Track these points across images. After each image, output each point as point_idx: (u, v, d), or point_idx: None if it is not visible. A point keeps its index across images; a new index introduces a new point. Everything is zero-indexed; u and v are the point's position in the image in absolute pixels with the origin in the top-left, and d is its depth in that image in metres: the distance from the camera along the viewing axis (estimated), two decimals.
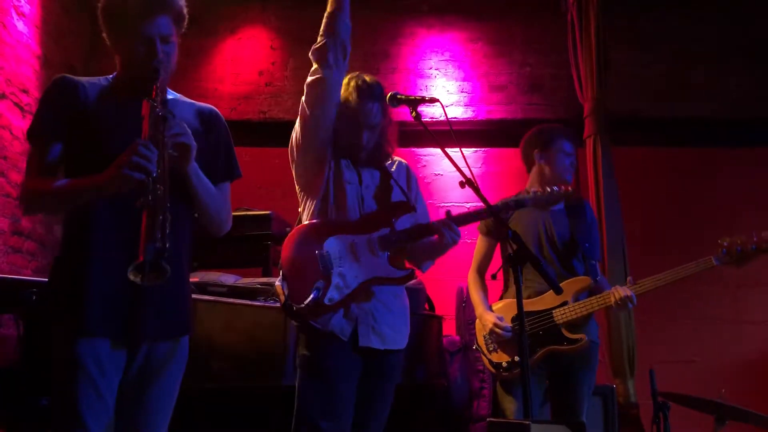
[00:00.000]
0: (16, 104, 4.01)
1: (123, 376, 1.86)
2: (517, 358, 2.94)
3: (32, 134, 1.93)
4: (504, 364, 2.97)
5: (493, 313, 3.02)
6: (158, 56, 1.87)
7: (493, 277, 3.01)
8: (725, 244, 2.92)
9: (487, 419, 2.29)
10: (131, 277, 1.61)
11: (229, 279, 3.29)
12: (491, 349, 3.00)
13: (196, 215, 2.01)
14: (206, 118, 2.05)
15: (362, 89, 2.45)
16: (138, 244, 1.63)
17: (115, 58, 1.98)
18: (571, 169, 3.13)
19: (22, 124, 4.05)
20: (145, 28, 1.86)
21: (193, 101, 2.11)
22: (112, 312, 1.82)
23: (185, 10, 1.95)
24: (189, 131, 1.84)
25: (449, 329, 3.90)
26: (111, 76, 2.01)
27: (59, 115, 1.89)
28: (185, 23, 1.97)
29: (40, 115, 1.92)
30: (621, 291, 2.91)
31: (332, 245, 2.35)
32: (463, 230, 4.88)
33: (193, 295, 2.91)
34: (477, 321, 3.08)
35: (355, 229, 2.41)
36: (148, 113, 1.77)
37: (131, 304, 1.82)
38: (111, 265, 1.82)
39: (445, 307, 4.00)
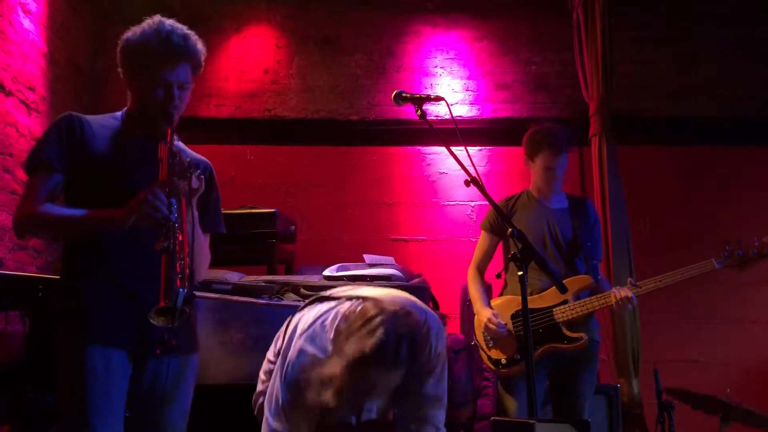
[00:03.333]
0: (22, 102, 4.02)
1: (135, 386, 1.88)
2: (518, 356, 2.94)
3: (33, 164, 1.93)
4: (503, 361, 2.97)
5: (489, 309, 3.02)
6: (174, 102, 1.91)
7: (498, 276, 3.00)
8: (727, 247, 2.91)
9: (492, 418, 2.28)
10: (152, 320, 1.66)
11: (233, 277, 3.29)
12: (490, 345, 3.01)
13: None
14: (202, 170, 2.06)
15: (365, 362, 1.95)
16: (152, 265, 1.69)
17: (128, 94, 2.01)
18: (554, 178, 3.09)
19: (28, 121, 4.06)
20: (165, 75, 1.90)
21: (193, 152, 2.13)
22: (122, 326, 1.85)
23: (203, 59, 2.01)
24: (199, 183, 1.88)
25: (453, 328, 3.91)
26: (120, 113, 2.04)
27: (62, 151, 1.91)
28: (201, 69, 2.02)
29: (42, 147, 1.94)
30: (621, 292, 2.91)
31: None
32: (467, 229, 4.89)
33: (197, 293, 2.91)
34: (475, 317, 3.09)
35: None
36: (165, 158, 1.81)
37: (139, 322, 1.84)
38: (122, 280, 1.86)
39: (450, 306, 4.00)
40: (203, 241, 2.05)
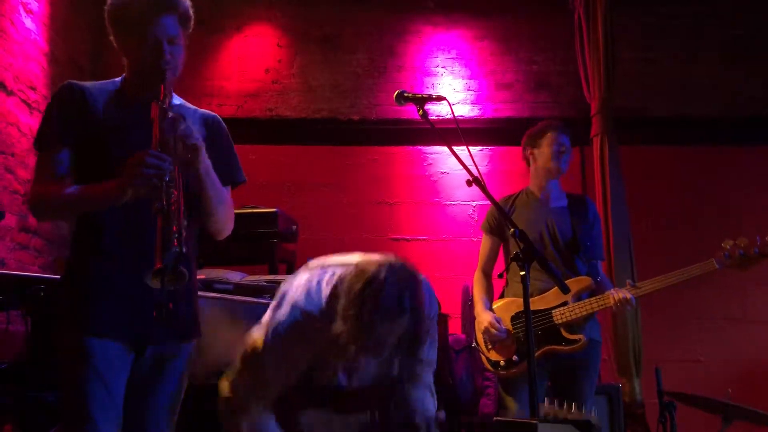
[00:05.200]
0: (23, 101, 4.02)
1: (130, 375, 1.88)
2: (515, 357, 2.94)
3: (41, 142, 1.93)
4: (502, 363, 2.97)
5: (490, 313, 3.03)
6: (165, 57, 1.87)
7: (500, 276, 3.00)
8: (728, 247, 2.88)
9: (494, 418, 2.29)
10: (150, 283, 1.62)
11: (235, 276, 3.29)
12: (489, 347, 3.01)
13: (200, 217, 2.00)
14: (210, 124, 2.06)
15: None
16: (151, 248, 1.65)
17: (123, 60, 1.98)
18: (561, 157, 3.11)
19: (29, 121, 4.06)
20: (152, 30, 1.86)
21: (196, 108, 2.11)
22: (122, 316, 1.84)
23: (191, 10, 1.95)
24: (195, 131, 1.84)
25: (455, 328, 3.91)
26: (118, 79, 2.01)
27: (67, 123, 1.89)
28: (191, 24, 1.96)
29: (47, 123, 1.93)
30: (620, 293, 2.90)
31: None
32: (468, 228, 4.88)
33: (199, 293, 2.91)
34: (476, 319, 3.09)
35: (334, 404, 2.20)
36: (158, 116, 1.77)
37: (140, 309, 1.82)
38: (122, 268, 1.85)
39: (451, 306, 4.00)
40: (224, 193, 2.00)
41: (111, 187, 1.76)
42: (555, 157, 3.11)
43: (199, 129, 1.99)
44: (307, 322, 2.05)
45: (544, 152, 3.13)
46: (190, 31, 1.97)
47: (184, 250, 1.64)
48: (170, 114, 1.79)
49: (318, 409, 2.10)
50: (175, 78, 1.93)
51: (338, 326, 1.98)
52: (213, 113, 2.13)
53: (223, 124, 2.13)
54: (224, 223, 2.04)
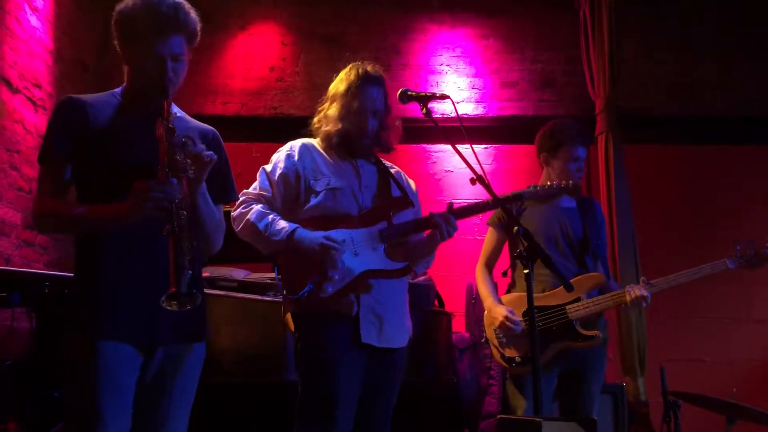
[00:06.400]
0: (29, 99, 4.03)
1: (140, 378, 1.88)
2: (530, 354, 2.92)
3: (43, 158, 1.94)
4: (517, 359, 2.92)
5: (503, 306, 2.97)
6: (168, 74, 1.87)
7: (504, 274, 2.98)
8: (739, 247, 2.90)
9: (498, 416, 2.28)
10: (165, 305, 1.65)
11: (239, 274, 3.30)
12: (503, 343, 2.96)
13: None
14: (209, 139, 2.05)
15: (364, 75, 2.51)
16: (160, 255, 1.69)
17: (124, 68, 1.99)
18: (578, 174, 3.06)
19: (34, 118, 4.07)
20: (158, 47, 1.86)
21: (196, 121, 2.11)
22: (131, 319, 1.84)
23: (199, 29, 1.95)
24: (210, 152, 1.83)
25: (458, 326, 3.90)
26: (118, 90, 2.01)
27: (68, 137, 1.90)
28: (197, 40, 1.96)
29: (49, 138, 1.94)
30: (636, 290, 2.89)
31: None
32: (473, 227, 4.88)
33: (203, 290, 2.92)
34: (486, 314, 3.03)
35: (354, 223, 2.42)
36: (164, 135, 1.77)
37: (149, 311, 1.83)
38: (130, 274, 1.85)
39: (455, 304, 4.00)
40: (217, 212, 2.00)
41: (120, 211, 1.78)
42: (570, 175, 3.04)
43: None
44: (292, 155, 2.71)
45: (558, 165, 3.07)
46: (195, 45, 1.97)
47: (196, 272, 1.68)
48: (182, 138, 1.79)
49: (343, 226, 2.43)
50: (175, 91, 1.93)
51: (325, 107, 2.64)
52: (212, 128, 2.11)
53: (221, 140, 2.12)
54: (213, 241, 2.03)
